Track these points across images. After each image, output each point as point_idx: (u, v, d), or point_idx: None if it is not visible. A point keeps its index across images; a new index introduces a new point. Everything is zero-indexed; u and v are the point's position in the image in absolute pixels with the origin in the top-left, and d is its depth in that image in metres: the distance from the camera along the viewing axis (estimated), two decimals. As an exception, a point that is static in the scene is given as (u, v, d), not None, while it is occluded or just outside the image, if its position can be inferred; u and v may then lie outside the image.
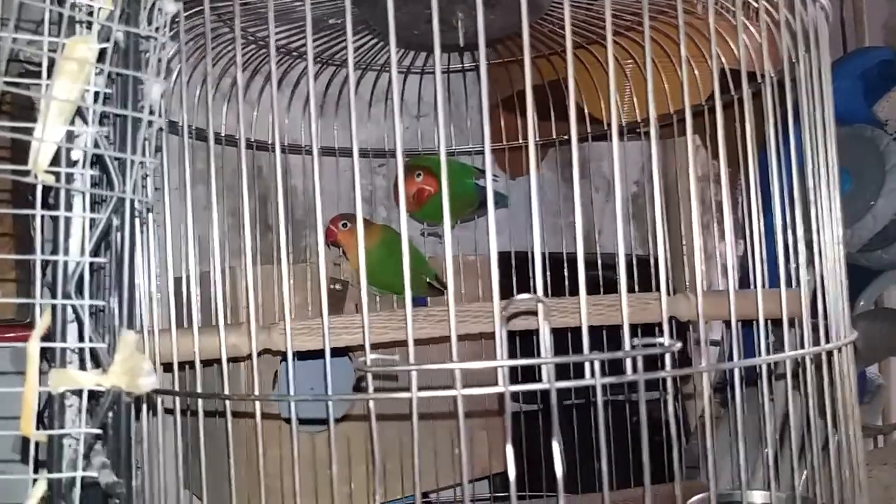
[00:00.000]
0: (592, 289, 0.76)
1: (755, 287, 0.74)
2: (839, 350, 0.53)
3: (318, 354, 0.60)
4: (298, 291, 0.93)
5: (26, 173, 0.38)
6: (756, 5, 0.58)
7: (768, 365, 0.49)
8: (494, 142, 1.20)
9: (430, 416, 0.54)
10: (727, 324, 1.13)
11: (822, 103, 0.60)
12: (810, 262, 0.59)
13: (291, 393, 0.47)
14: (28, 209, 0.74)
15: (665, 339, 0.44)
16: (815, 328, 0.56)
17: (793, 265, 0.60)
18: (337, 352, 0.70)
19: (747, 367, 0.78)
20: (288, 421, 0.88)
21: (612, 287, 1.09)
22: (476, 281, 1.05)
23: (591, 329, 0.46)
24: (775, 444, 0.79)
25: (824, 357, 0.52)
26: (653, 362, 0.46)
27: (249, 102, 0.99)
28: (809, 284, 0.59)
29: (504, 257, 1.08)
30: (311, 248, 1.13)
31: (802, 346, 0.52)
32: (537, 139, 1.13)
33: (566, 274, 1.01)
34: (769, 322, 0.56)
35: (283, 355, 0.83)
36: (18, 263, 0.73)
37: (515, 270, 0.99)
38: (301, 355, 0.69)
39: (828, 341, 0.53)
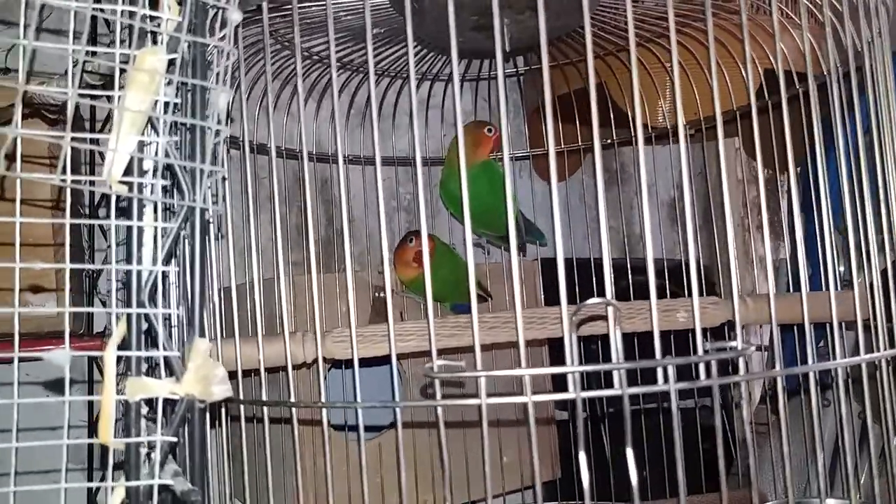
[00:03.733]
0: (641, 295, 0.75)
1: (811, 289, 0.72)
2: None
3: (361, 363, 0.60)
4: (345, 300, 0.93)
5: (101, 184, 0.39)
6: (820, 15, 0.56)
7: (820, 371, 0.48)
8: (532, 147, 1.19)
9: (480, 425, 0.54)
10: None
11: (885, 102, 0.59)
12: (868, 264, 0.58)
13: (358, 400, 0.47)
14: (83, 220, 0.74)
15: (738, 343, 0.42)
16: (889, 332, 0.54)
17: (866, 267, 0.59)
18: (379, 360, 0.70)
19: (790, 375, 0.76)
20: (335, 429, 0.88)
21: (661, 295, 1.08)
22: (521, 287, 1.04)
23: (647, 335, 0.45)
24: (834, 447, 0.77)
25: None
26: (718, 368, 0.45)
27: (292, 113, 1.00)
28: (871, 286, 0.57)
29: (546, 263, 1.07)
30: (355, 257, 1.13)
31: (875, 350, 0.50)
32: (580, 144, 1.12)
33: (612, 279, 1.00)
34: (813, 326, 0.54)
35: (332, 363, 0.84)
36: (73, 274, 0.74)
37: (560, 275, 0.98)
38: (345, 363, 0.69)
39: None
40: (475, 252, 1.11)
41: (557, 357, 1.04)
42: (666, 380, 0.41)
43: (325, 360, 0.64)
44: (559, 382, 0.62)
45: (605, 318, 0.43)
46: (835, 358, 0.47)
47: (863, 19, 0.56)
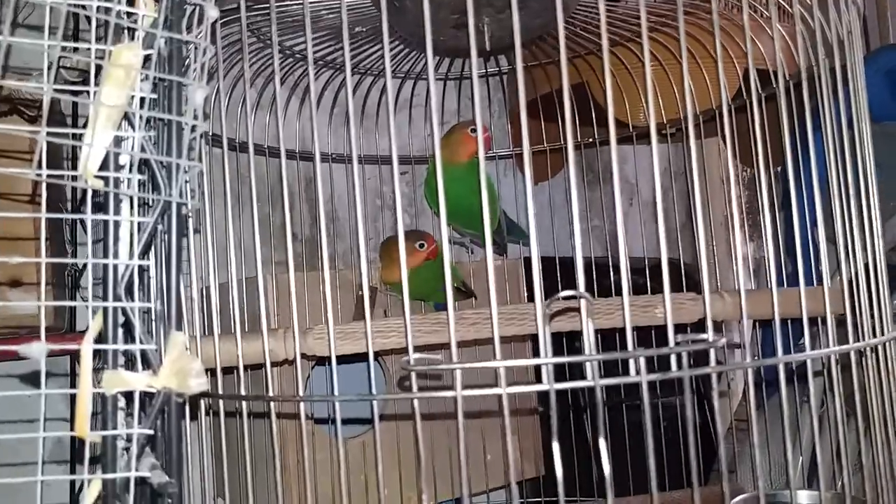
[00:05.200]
0: (618, 292, 0.76)
1: (786, 285, 0.73)
2: (883, 346, 0.53)
3: (344, 359, 0.61)
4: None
5: (75, 178, 0.39)
6: (791, 10, 0.57)
7: (799, 366, 0.49)
8: (516, 146, 1.20)
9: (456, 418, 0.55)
10: (755, 325, 1.12)
11: (857, 100, 0.60)
12: (846, 259, 0.59)
13: (335, 394, 0.47)
14: (59, 214, 0.75)
15: (709, 335, 0.43)
16: (854, 326, 0.55)
17: (823, 264, 0.60)
18: (364, 357, 0.70)
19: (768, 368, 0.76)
20: (318, 422, 0.88)
21: (637, 291, 1.09)
22: (503, 284, 1.05)
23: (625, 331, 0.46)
24: (813, 443, 0.78)
25: (869, 353, 0.52)
26: (693, 361, 0.46)
27: (274, 112, 1.00)
28: (844, 282, 0.58)
29: (530, 261, 1.08)
30: (338, 256, 1.13)
31: (846, 343, 0.51)
32: (563, 143, 1.13)
33: (594, 277, 1.01)
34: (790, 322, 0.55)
35: (316, 360, 0.84)
36: (54, 269, 0.74)
37: (542, 273, 0.98)
38: (324, 361, 0.70)
39: (873, 336, 0.52)
40: (459, 251, 1.12)
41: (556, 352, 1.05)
42: (637, 371, 0.42)
43: (308, 356, 0.64)
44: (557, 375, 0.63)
45: (579, 311, 0.44)
46: (804, 351, 0.47)
47: (833, 18, 0.57)
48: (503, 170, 1.26)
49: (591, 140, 1.10)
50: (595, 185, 1.38)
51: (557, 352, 0.50)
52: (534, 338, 1.10)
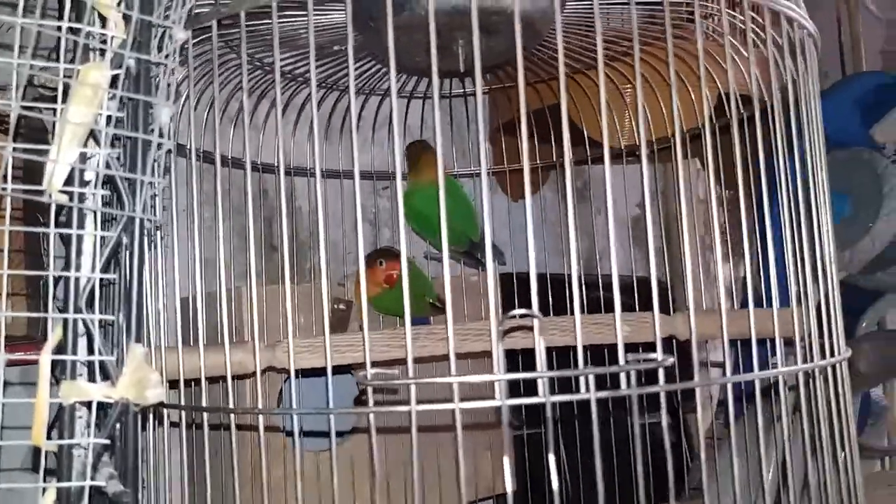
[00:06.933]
0: (594, 310, 0.77)
1: (755, 305, 0.75)
2: (833, 367, 0.54)
3: (322, 372, 0.62)
4: (303, 311, 0.94)
5: (41, 193, 0.40)
6: (743, 27, 0.59)
7: (763, 382, 0.50)
8: (496, 164, 1.22)
9: (432, 431, 0.55)
10: (732, 344, 1.14)
11: (815, 125, 0.61)
12: (814, 280, 0.60)
13: (294, 406, 0.48)
14: (39, 227, 0.76)
15: (658, 355, 0.45)
16: (811, 347, 0.57)
17: (792, 284, 0.61)
18: (340, 370, 0.70)
19: (750, 387, 0.78)
20: (291, 435, 0.89)
21: (623, 309, 1.10)
22: (479, 300, 1.06)
23: (591, 349, 0.47)
24: (777, 465, 0.79)
25: (817, 374, 0.53)
26: (650, 380, 0.47)
27: (255, 127, 1.02)
28: (793, 304, 0.60)
29: (506, 278, 1.10)
30: (316, 269, 1.14)
31: (802, 363, 0.53)
32: (538, 162, 1.15)
33: (568, 294, 1.02)
34: (769, 341, 0.57)
35: (288, 373, 0.85)
36: (29, 280, 0.75)
37: (517, 290, 1.00)
38: (306, 373, 0.71)
39: (827, 357, 0.54)
40: (436, 265, 1.13)
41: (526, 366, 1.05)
42: (588, 389, 0.43)
43: (278, 369, 0.65)
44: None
45: (532, 329, 0.45)
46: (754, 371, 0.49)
47: (787, 45, 0.59)
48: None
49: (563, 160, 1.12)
50: (573, 203, 1.40)
51: (528, 369, 0.51)
52: (508, 354, 1.10)
